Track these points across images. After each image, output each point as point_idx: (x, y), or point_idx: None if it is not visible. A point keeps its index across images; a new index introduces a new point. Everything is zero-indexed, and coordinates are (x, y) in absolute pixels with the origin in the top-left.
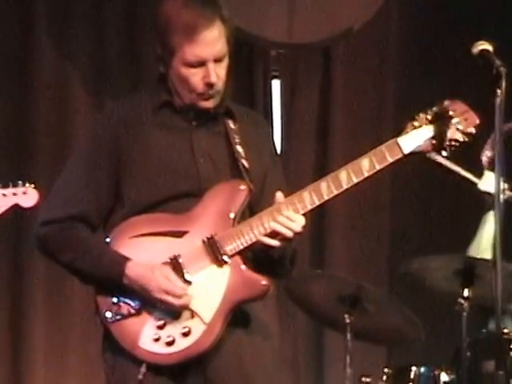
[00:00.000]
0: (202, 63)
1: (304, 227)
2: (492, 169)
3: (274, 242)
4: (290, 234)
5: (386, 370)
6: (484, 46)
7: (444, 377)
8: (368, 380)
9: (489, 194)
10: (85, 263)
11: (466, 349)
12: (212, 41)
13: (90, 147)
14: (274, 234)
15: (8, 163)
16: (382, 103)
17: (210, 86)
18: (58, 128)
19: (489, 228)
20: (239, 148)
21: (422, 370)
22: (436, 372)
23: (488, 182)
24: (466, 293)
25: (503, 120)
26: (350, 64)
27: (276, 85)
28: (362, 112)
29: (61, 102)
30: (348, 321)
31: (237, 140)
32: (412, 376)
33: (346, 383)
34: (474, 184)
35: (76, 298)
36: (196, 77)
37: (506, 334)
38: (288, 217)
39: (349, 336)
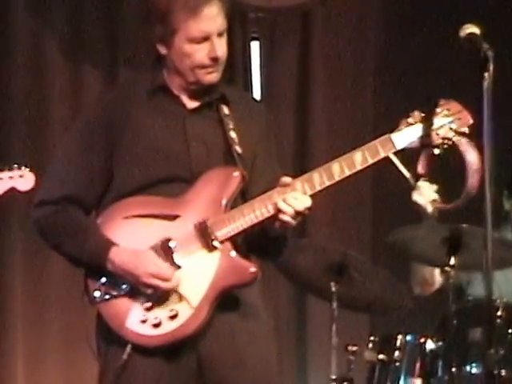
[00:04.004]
0: (206, 38)
1: (310, 209)
2: (426, 178)
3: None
4: (291, 212)
5: (371, 338)
6: (471, 29)
7: (430, 344)
8: (354, 349)
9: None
10: (71, 247)
11: (452, 316)
12: (214, 16)
13: (84, 130)
14: (275, 216)
15: None
16: (361, 65)
17: (215, 60)
18: (34, 97)
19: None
20: (233, 134)
21: (408, 337)
22: (422, 340)
23: (420, 193)
24: (452, 261)
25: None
26: (330, 26)
27: (255, 46)
28: (341, 73)
29: (37, 71)
30: (334, 289)
31: (230, 126)
32: (398, 344)
33: (332, 352)
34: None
35: (56, 285)
36: (201, 52)
37: (494, 301)
38: (293, 196)
39: (335, 305)
